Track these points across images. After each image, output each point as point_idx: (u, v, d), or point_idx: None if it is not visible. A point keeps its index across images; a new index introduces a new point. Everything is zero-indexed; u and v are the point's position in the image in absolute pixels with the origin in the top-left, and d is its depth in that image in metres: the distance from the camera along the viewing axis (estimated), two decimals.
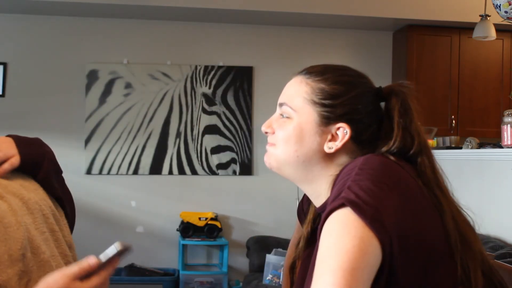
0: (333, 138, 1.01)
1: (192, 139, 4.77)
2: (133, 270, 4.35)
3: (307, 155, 1.02)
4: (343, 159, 1.01)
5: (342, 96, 1.01)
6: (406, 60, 4.75)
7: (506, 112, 2.99)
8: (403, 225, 0.83)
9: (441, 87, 4.77)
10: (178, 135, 4.75)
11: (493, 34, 4.07)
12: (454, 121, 4.74)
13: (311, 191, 1.05)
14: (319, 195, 1.04)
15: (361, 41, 4.99)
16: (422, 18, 4.61)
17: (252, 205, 4.79)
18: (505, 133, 2.95)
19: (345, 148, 1.00)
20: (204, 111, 4.77)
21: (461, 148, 3.67)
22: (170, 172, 4.74)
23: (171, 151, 4.75)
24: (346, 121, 1.00)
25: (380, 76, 4.96)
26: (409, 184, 0.89)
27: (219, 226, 4.54)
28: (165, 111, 4.75)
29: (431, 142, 4.09)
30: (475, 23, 4.16)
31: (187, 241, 4.48)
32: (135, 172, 4.71)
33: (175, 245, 4.71)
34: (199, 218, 4.53)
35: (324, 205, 1.02)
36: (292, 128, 1.02)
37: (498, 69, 4.82)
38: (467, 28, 4.59)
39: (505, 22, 3.66)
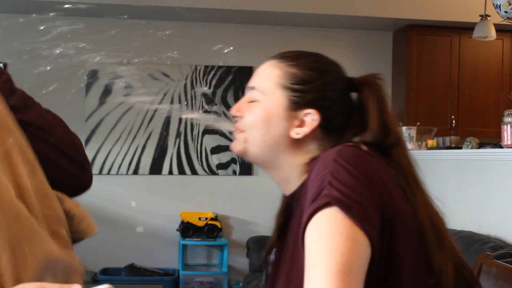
0: (301, 124, 1.00)
1: (192, 139, 4.77)
2: (133, 270, 4.35)
3: (274, 140, 1.00)
4: (310, 147, 1.00)
5: (313, 82, 1.00)
6: (406, 60, 4.75)
7: (506, 112, 2.99)
8: (384, 218, 0.83)
9: (441, 87, 4.77)
10: (178, 135, 4.76)
11: (493, 34, 4.07)
12: (454, 121, 4.74)
13: (279, 178, 1.04)
14: (288, 182, 1.02)
15: (361, 41, 4.99)
16: (422, 18, 4.61)
17: (252, 205, 4.79)
18: (505, 133, 2.95)
19: (313, 135, 0.99)
20: (204, 111, 4.78)
21: (461, 148, 3.66)
22: (170, 172, 4.74)
23: (171, 151, 4.75)
24: (315, 108, 0.99)
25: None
26: (382, 176, 0.88)
27: (219, 226, 4.54)
28: (165, 111, 4.75)
29: (431, 142, 4.09)
30: (475, 23, 4.16)
31: (187, 241, 4.48)
32: (135, 172, 4.71)
33: (175, 245, 4.71)
34: (199, 218, 4.53)
35: (294, 194, 1.01)
36: (260, 110, 1.01)
37: (498, 69, 4.81)
38: (467, 28, 4.59)
39: (505, 22, 3.66)
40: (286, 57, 1.04)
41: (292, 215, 1.02)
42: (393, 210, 0.86)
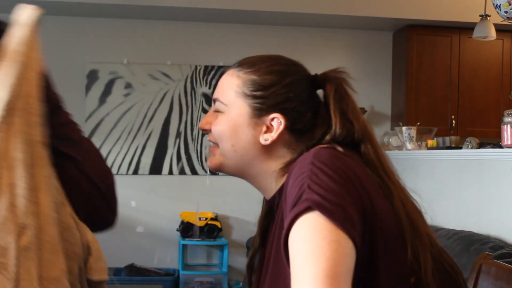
0: (269, 129, 0.99)
1: (192, 139, 4.77)
2: (133, 270, 4.35)
3: (244, 149, 1.00)
4: (282, 151, 1.00)
5: (274, 86, 0.99)
6: (406, 60, 4.75)
7: (506, 112, 2.99)
8: (364, 218, 0.83)
9: (441, 87, 4.77)
10: (178, 135, 4.76)
11: (493, 34, 4.07)
12: (454, 121, 4.74)
13: (257, 185, 1.04)
14: (266, 188, 1.03)
15: (361, 41, 4.99)
16: (422, 18, 4.61)
17: (252, 205, 4.78)
18: (505, 133, 2.95)
19: (282, 139, 0.99)
20: (204, 111, 4.78)
21: (461, 148, 3.66)
22: (170, 172, 4.74)
23: (171, 151, 4.75)
24: (280, 111, 0.98)
25: (380, 76, 4.97)
26: (360, 175, 0.87)
27: (219, 226, 4.54)
28: (165, 111, 4.75)
29: (431, 142, 4.09)
30: (475, 23, 4.16)
31: (187, 241, 4.48)
32: (135, 172, 4.71)
33: (175, 245, 4.71)
34: (199, 218, 4.53)
35: (274, 198, 1.00)
36: (225, 122, 1.01)
37: (498, 69, 4.82)
38: (467, 28, 4.59)
39: (505, 22, 3.66)
40: (244, 64, 1.03)
41: (273, 220, 1.01)
42: (372, 210, 0.85)
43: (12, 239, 0.83)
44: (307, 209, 0.79)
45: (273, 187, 1.00)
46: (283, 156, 0.99)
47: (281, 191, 0.96)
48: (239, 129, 1.00)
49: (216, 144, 1.03)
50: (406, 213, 0.90)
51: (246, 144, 1.00)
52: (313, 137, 0.98)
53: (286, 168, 0.97)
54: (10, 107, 0.89)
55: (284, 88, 0.99)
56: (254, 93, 0.99)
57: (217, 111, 1.03)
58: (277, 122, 0.98)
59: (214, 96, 1.04)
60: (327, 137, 0.96)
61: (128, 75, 4.73)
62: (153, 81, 4.75)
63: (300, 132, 1.00)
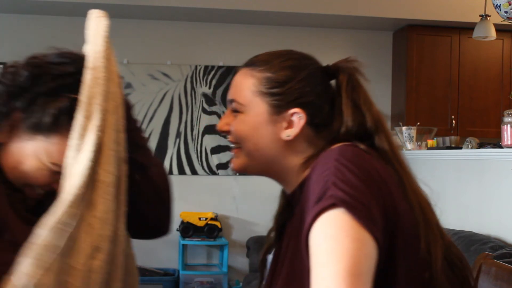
0: (289, 125, 0.99)
1: (192, 139, 4.77)
2: None
3: (267, 147, 0.99)
4: (302, 146, 0.99)
5: (290, 82, 0.99)
6: (406, 60, 4.75)
7: (506, 112, 2.99)
8: (386, 217, 0.83)
9: (441, 87, 4.77)
10: (178, 135, 4.76)
11: (493, 34, 4.07)
12: (454, 121, 4.74)
13: (280, 180, 1.04)
14: (288, 183, 1.02)
15: (361, 41, 4.99)
16: (422, 18, 4.61)
17: (252, 205, 4.79)
18: (505, 133, 2.95)
19: (303, 134, 0.99)
20: (204, 111, 4.78)
21: (461, 148, 3.66)
22: (170, 172, 4.74)
23: (171, 151, 4.75)
24: (298, 106, 0.98)
25: (380, 76, 4.97)
26: (382, 174, 0.88)
27: (219, 226, 4.54)
28: (165, 111, 4.75)
29: (431, 142, 4.09)
30: (475, 23, 4.17)
31: (187, 241, 4.48)
32: None
33: (175, 245, 4.71)
34: (199, 218, 4.53)
35: (294, 192, 1.00)
36: (245, 122, 1.00)
37: (498, 69, 4.82)
38: (467, 28, 4.59)
39: (505, 22, 3.66)
40: (256, 62, 1.02)
41: (292, 215, 1.01)
42: (394, 209, 0.85)
43: (83, 261, 0.85)
44: (332, 206, 0.79)
45: (295, 181, 1.00)
46: (304, 151, 0.99)
47: (302, 186, 0.96)
48: (260, 127, 0.99)
49: (237, 145, 1.02)
50: (419, 203, 0.90)
51: (268, 142, 0.99)
52: (331, 130, 0.98)
53: (307, 163, 0.97)
54: (102, 123, 0.89)
55: (299, 83, 0.99)
56: (271, 90, 0.99)
57: (234, 111, 1.02)
58: (297, 117, 0.98)
59: (230, 97, 1.03)
60: (342, 130, 0.96)
61: (128, 75, 4.73)
62: (153, 81, 4.75)
63: (320, 126, 1.00)
